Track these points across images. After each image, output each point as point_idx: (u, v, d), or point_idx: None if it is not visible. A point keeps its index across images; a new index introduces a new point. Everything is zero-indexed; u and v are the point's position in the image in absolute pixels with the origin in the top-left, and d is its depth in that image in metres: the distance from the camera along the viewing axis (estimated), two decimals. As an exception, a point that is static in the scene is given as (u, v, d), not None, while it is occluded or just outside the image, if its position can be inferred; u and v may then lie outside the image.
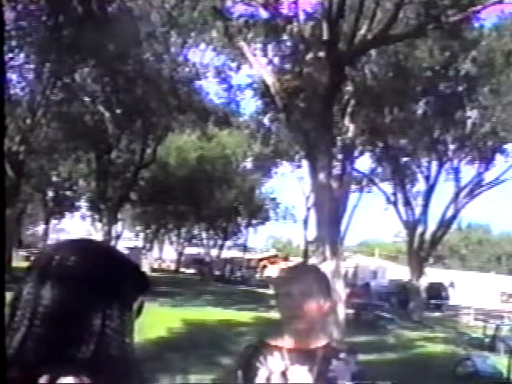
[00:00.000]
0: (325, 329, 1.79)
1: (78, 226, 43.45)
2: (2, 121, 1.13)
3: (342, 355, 1.79)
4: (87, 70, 18.95)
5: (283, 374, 1.75)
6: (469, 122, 19.85)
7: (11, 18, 14.50)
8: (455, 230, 51.96)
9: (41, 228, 44.41)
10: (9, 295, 0.91)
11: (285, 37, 13.30)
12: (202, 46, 19.07)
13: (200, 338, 11.14)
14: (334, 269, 10.35)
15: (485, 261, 65.10)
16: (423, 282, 22.88)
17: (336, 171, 14.10)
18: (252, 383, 1.78)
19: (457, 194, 22.56)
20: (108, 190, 24.71)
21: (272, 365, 1.77)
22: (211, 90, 25.16)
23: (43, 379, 0.83)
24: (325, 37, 10.22)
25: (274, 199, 40.84)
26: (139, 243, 42.17)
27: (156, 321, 11.52)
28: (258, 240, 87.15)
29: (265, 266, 43.02)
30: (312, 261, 16.68)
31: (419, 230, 22.66)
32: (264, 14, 12.06)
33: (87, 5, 14.17)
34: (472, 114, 19.66)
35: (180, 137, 30.02)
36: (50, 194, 36.62)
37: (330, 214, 10.65)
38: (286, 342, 1.79)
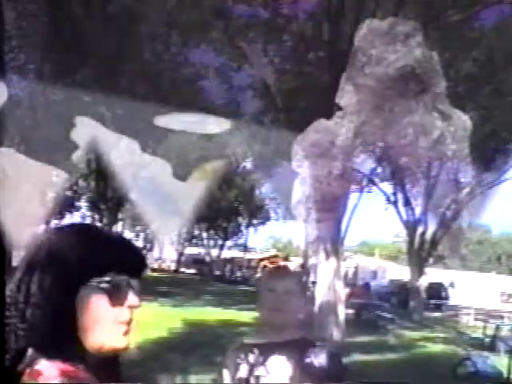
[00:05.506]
0: (301, 326, 1.97)
1: (78, 226, 43.35)
2: (1, 121, 1.14)
3: (317, 343, 1.96)
4: (87, 70, 18.92)
5: (263, 364, 1.88)
6: (469, 122, 19.82)
7: (11, 18, 14.48)
8: (455, 229, 51.84)
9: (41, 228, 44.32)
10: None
11: (285, 37, 13.28)
12: (203, 45, 19.05)
13: (200, 338, 11.13)
14: (334, 269, 10.36)
15: (485, 261, 64.99)
16: (423, 282, 22.88)
17: (336, 171, 14.08)
18: (235, 379, 1.92)
19: (457, 194, 22.53)
20: (108, 190, 24.68)
21: (252, 359, 1.91)
22: (211, 90, 25.13)
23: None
24: (325, 37, 10.22)
25: (274, 199, 40.82)
26: (139, 243, 42.15)
27: (156, 321, 11.54)
28: (259, 240, 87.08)
29: (265, 266, 42.98)
30: (312, 261, 16.68)
31: (419, 230, 22.65)
32: (264, 13, 12.06)
33: (87, 5, 14.16)
34: (472, 114, 19.62)
35: (180, 137, 29.97)
36: (50, 194, 36.57)
37: (330, 213, 10.64)
38: (264, 337, 1.94)
